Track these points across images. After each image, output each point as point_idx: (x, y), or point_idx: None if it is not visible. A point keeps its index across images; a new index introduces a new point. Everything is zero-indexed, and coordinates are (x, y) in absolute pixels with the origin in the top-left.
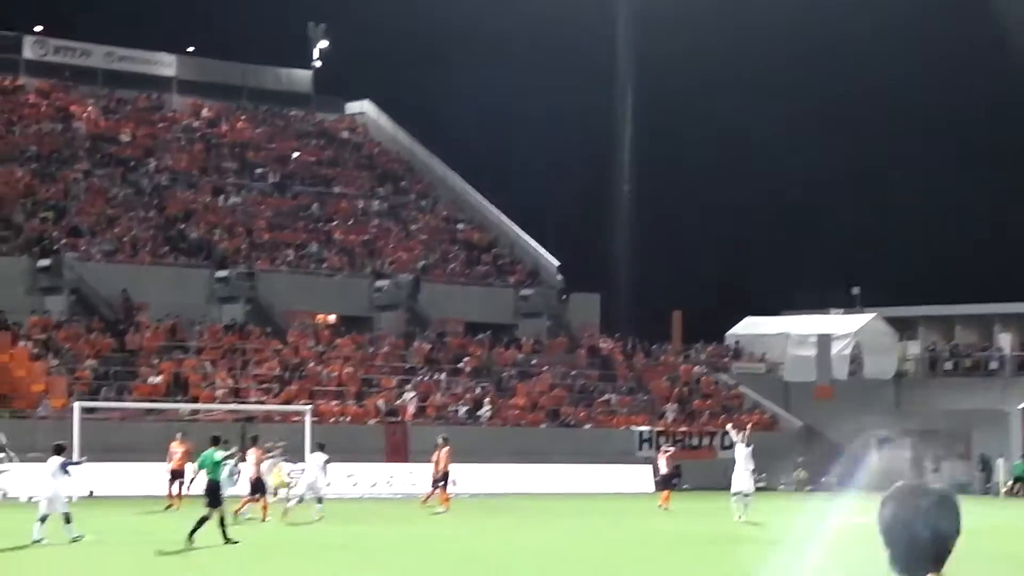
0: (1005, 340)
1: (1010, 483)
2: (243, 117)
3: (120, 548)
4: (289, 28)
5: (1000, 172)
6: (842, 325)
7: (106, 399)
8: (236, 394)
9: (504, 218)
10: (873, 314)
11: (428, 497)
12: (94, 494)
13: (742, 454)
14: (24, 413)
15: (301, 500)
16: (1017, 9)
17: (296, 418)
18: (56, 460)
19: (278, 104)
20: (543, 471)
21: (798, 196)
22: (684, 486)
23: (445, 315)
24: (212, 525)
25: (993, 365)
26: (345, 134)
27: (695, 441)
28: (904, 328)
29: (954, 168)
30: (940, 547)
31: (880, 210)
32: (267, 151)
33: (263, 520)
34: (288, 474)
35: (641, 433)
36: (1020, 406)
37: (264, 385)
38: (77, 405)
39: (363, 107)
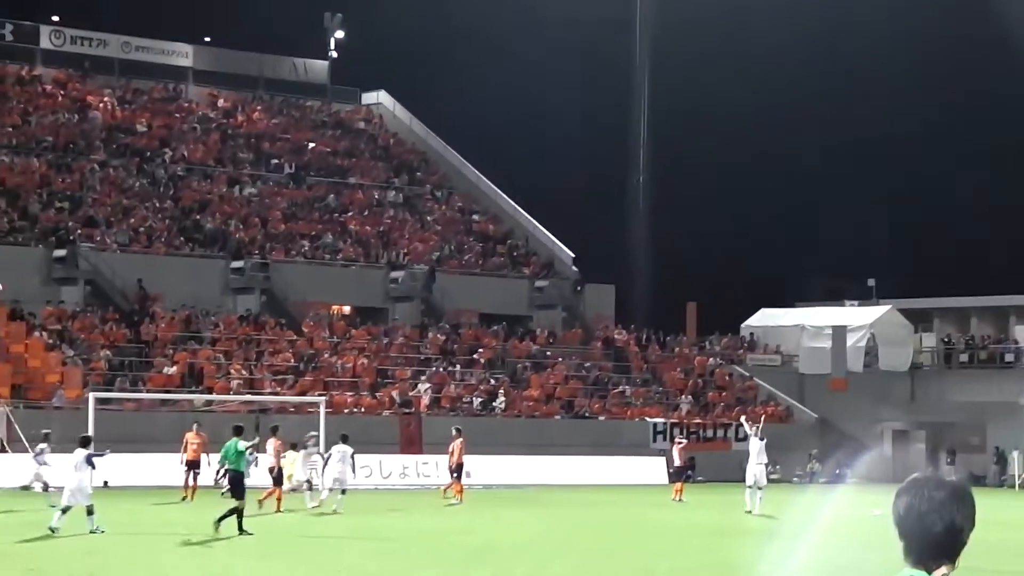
0: (1021, 332)
1: None
2: (259, 108)
3: (141, 539)
4: (305, 18)
5: (1018, 163)
6: (857, 317)
7: (121, 390)
8: (251, 385)
9: (519, 209)
10: (888, 306)
11: (448, 488)
12: (108, 485)
13: (756, 447)
14: (39, 403)
15: (330, 491)
16: None
17: (310, 409)
18: (81, 452)
19: (294, 95)
20: (557, 463)
21: (814, 187)
22: (698, 478)
23: (460, 306)
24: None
25: (1009, 357)
26: (361, 125)
27: (709, 433)
28: (919, 320)
29: (970, 159)
30: (954, 539)
31: (895, 202)
32: (283, 142)
33: (276, 511)
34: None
35: (655, 425)
36: None
37: (279, 376)
38: (92, 396)
39: (379, 98)
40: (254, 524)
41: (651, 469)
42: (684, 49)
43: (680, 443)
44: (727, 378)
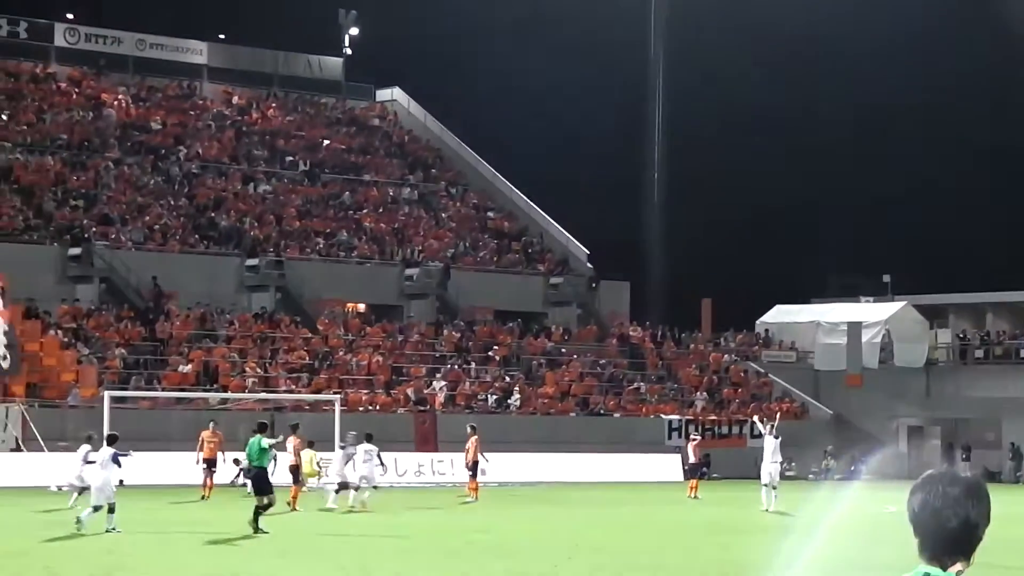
0: None
1: None
2: (274, 105)
3: (158, 538)
4: (320, 15)
5: None
6: (873, 313)
7: (136, 388)
8: (265, 383)
9: (534, 206)
10: (904, 302)
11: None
12: (124, 483)
13: (771, 445)
14: (54, 402)
15: (355, 491)
16: None
17: (325, 407)
18: (108, 450)
19: (309, 92)
20: (572, 460)
21: (829, 184)
22: (713, 475)
23: (475, 303)
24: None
25: None
26: (375, 122)
27: (725, 430)
28: (935, 316)
29: (985, 155)
30: (969, 535)
31: (911, 197)
32: (297, 139)
33: (292, 509)
34: (318, 463)
35: (671, 422)
36: None
37: (294, 374)
38: (107, 394)
39: (393, 95)
40: (271, 522)
41: (666, 466)
42: (699, 45)
43: (695, 440)
44: (742, 375)
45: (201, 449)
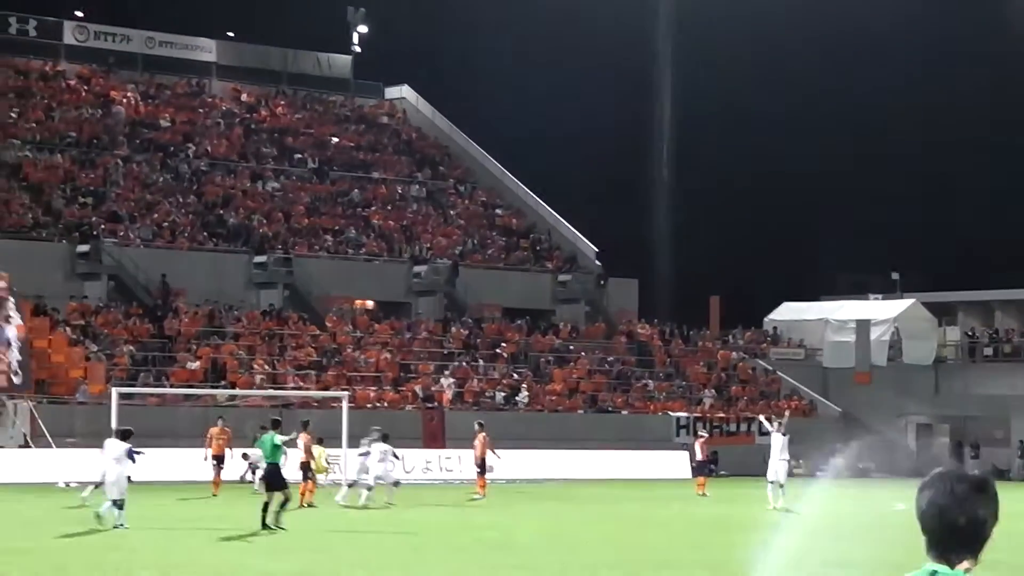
0: None
1: None
2: (282, 102)
3: (167, 534)
4: (329, 13)
5: None
6: (881, 311)
7: (144, 385)
8: (273, 380)
9: (542, 203)
10: (912, 299)
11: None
12: (131, 480)
13: (778, 443)
14: (62, 399)
15: (368, 489)
16: None
17: (333, 404)
18: (123, 445)
19: (317, 89)
20: (580, 457)
21: (837, 181)
22: (721, 472)
23: (483, 301)
24: (273, 507)
25: None
26: (384, 119)
27: (733, 427)
28: (943, 313)
29: (994, 153)
30: (977, 533)
31: (919, 195)
32: (306, 136)
33: (299, 505)
34: (326, 460)
35: (679, 419)
36: None
37: (302, 371)
38: (115, 391)
39: (402, 92)
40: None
41: (674, 463)
42: (708, 43)
43: (702, 437)
44: (750, 372)
45: (210, 446)
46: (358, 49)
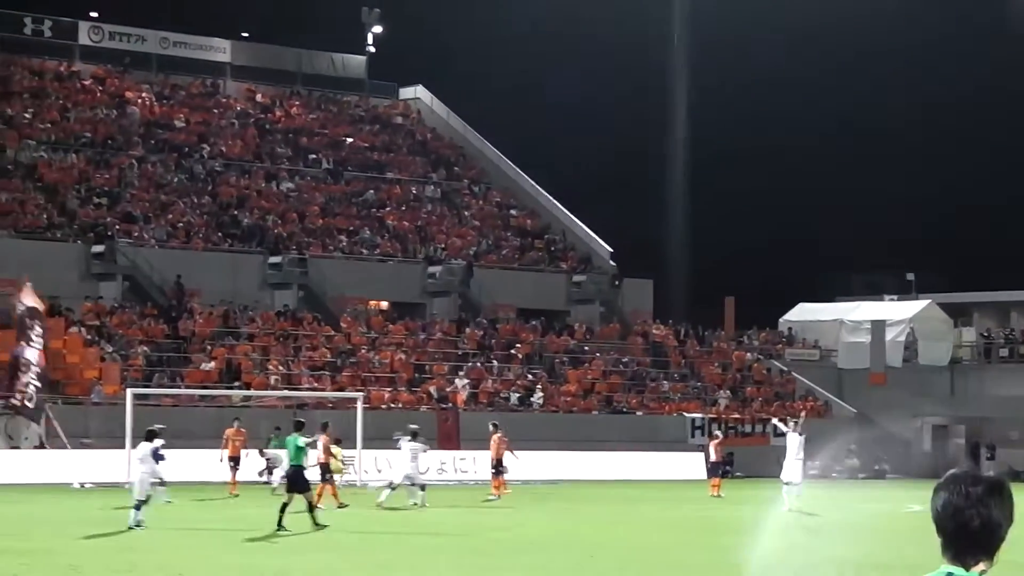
0: None
1: None
2: (297, 103)
3: (182, 535)
4: (343, 13)
5: None
6: (896, 311)
7: (159, 385)
8: (288, 381)
9: (557, 204)
10: (928, 300)
11: (502, 484)
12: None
13: (794, 443)
14: (77, 399)
15: (393, 488)
16: None
17: (348, 405)
18: (148, 446)
19: (332, 90)
20: (595, 458)
21: (853, 182)
22: (736, 473)
23: (497, 301)
24: (299, 510)
25: None
26: (398, 120)
27: (748, 428)
28: (959, 314)
29: (1011, 153)
30: (992, 535)
31: (935, 195)
32: (320, 137)
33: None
34: (342, 460)
35: (693, 420)
36: None
37: (316, 372)
38: (130, 391)
39: (416, 93)
40: (295, 520)
41: (689, 464)
42: (721, 44)
43: (716, 438)
44: (765, 373)
45: (226, 447)
46: (372, 49)
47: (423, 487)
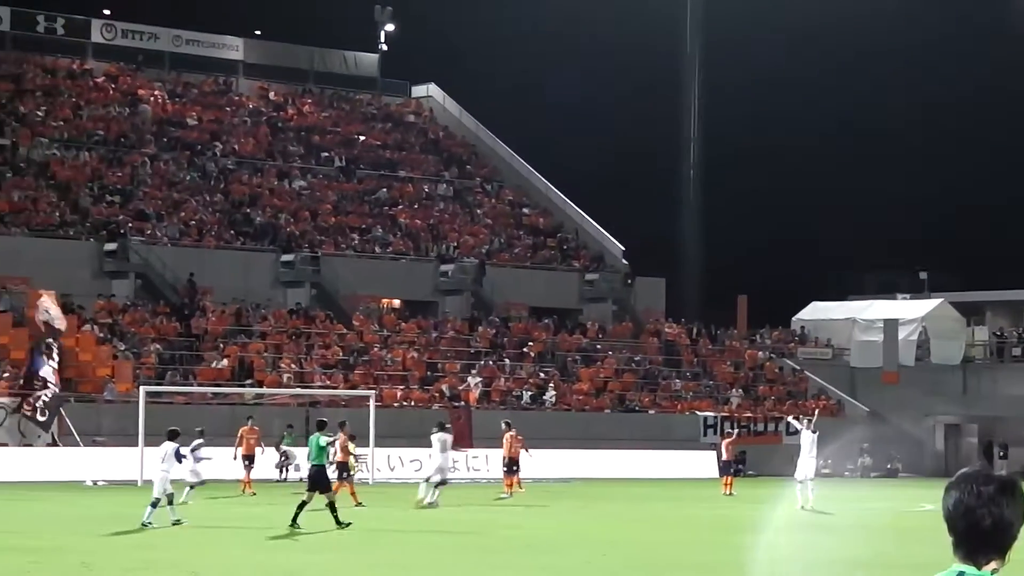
0: None
1: None
2: (309, 101)
3: (194, 533)
4: (356, 12)
5: None
6: (909, 310)
7: (171, 383)
8: (300, 379)
9: (569, 202)
10: (940, 299)
11: (517, 482)
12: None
13: (807, 441)
14: (90, 397)
15: (436, 485)
16: None
17: (361, 403)
18: (170, 445)
19: (344, 88)
20: (607, 456)
21: (865, 181)
22: (748, 472)
23: (510, 300)
24: (317, 508)
25: None
26: (411, 118)
27: (760, 427)
28: (972, 313)
29: (1011, 153)
30: (1004, 534)
31: (948, 195)
32: (333, 135)
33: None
34: (355, 457)
35: (706, 419)
36: None
37: (328, 370)
38: (142, 389)
39: (429, 91)
40: (311, 518)
41: (702, 463)
42: (735, 42)
43: (729, 436)
44: (778, 372)
45: (240, 445)
46: (385, 47)
47: (443, 483)
